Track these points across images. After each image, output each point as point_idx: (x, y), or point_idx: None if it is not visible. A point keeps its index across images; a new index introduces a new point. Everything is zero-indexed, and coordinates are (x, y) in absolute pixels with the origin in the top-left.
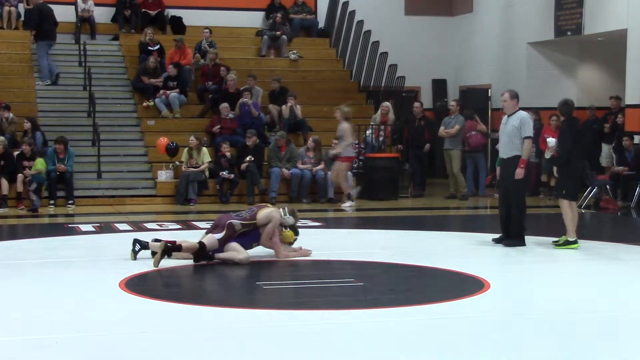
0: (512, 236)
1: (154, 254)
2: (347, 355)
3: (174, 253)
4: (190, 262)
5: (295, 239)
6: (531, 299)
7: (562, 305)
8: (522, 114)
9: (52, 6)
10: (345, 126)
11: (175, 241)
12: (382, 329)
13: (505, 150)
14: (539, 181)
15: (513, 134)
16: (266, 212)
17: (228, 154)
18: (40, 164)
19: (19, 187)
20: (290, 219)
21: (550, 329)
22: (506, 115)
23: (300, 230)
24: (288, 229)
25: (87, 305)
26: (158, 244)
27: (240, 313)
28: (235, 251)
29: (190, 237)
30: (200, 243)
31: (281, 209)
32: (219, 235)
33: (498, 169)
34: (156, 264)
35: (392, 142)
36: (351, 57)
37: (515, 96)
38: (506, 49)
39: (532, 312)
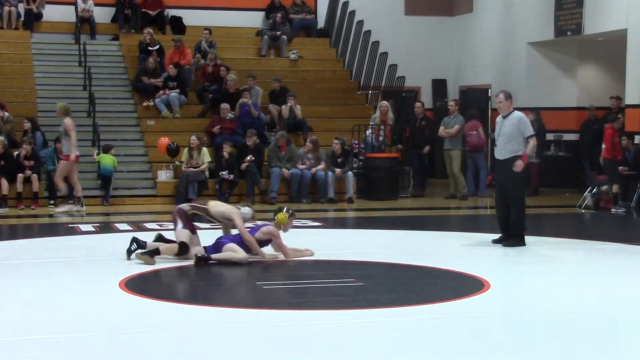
0: (511, 236)
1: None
2: (347, 355)
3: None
4: (190, 262)
5: (290, 219)
6: (531, 299)
7: (562, 305)
8: (519, 114)
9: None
10: (66, 121)
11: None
12: (382, 329)
13: (502, 151)
14: (539, 181)
15: (512, 135)
16: (219, 205)
17: (225, 154)
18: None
19: (19, 187)
20: (247, 210)
21: (550, 329)
22: (501, 116)
23: (300, 230)
24: (281, 212)
25: (87, 305)
26: (154, 244)
27: (240, 313)
28: (233, 251)
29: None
30: (181, 242)
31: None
32: (180, 226)
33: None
34: (151, 262)
35: (392, 142)
36: (351, 57)
37: (509, 96)
38: (506, 49)
39: (532, 312)
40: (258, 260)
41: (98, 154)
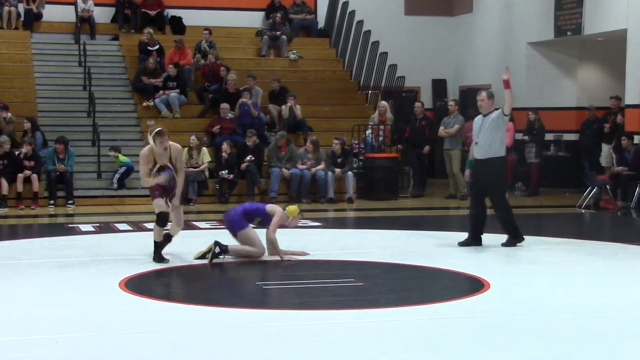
0: (510, 237)
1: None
2: (347, 355)
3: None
4: (191, 262)
5: (298, 214)
6: (531, 299)
7: (561, 305)
8: (498, 111)
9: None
10: None
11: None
12: (382, 329)
13: (482, 151)
14: (539, 181)
15: (491, 130)
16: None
17: (224, 154)
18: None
19: (19, 187)
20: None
21: (550, 329)
22: (481, 116)
23: (300, 230)
24: (293, 205)
25: (87, 305)
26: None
27: (241, 313)
28: (250, 244)
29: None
30: (158, 214)
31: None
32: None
33: (467, 172)
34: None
35: (391, 142)
36: (351, 57)
37: (492, 96)
38: (506, 49)
39: (532, 312)
40: (258, 260)
41: (116, 154)
